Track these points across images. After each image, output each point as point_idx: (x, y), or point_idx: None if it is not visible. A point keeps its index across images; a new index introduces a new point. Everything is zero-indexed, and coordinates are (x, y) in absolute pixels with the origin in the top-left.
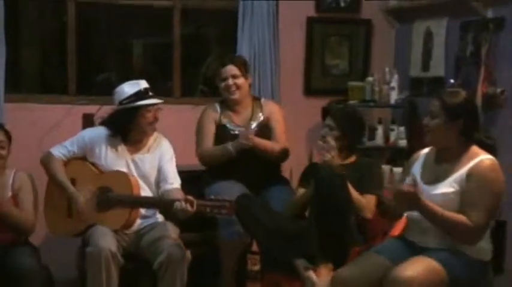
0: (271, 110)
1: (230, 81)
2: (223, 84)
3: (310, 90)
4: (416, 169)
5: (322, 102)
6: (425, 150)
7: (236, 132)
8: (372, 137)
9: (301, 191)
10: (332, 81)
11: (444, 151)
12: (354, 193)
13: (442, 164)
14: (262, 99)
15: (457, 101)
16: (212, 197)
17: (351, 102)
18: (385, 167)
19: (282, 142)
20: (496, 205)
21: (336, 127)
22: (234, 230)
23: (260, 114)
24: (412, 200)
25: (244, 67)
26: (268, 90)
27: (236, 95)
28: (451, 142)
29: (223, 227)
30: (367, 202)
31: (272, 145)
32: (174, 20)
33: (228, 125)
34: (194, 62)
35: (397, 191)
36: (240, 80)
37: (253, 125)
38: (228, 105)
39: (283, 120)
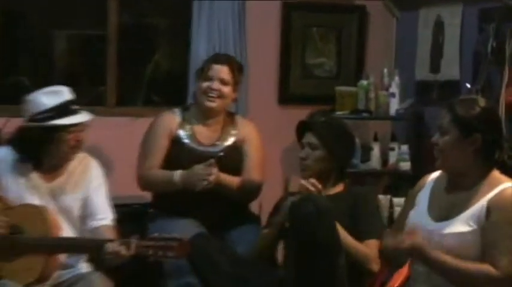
0: (248, 132)
1: (215, 84)
2: (204, 84)
3: (286, 98)
4: (423, 200)
5: (301, 113)
6: (434, 175)
7: (194, 152)
8: (366, 158)
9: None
10: (315, 85)
11: (457, 176)
12: (349, 239)
13: (455, 194)
14: (238, 117)
15: (473, 112)
16: (156, 235)
17: (339, 113)
18: (383, 198)
19: (256, 177)
20: None
21: (320, 146)
22: (185, 282)
23: (233, 133)
24: (415, 251)
25: (238, 75)
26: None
27: (214, 104)
28: (466, 165)
29: (171, 278)
30: (371, 251)
31: (241, 183)
32: (110, 5)
33: (186, 141)
34: (136, 61)
35: (395, 247)
36: (227, 89)
37: (220, 147)
38: (196, 113)
39: (262, 147)
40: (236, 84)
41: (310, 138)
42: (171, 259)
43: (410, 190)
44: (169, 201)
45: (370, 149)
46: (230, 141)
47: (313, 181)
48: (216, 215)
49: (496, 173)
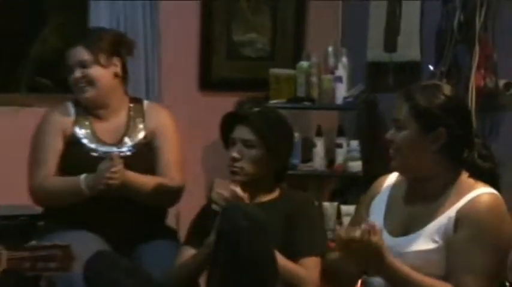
0: (160, 121)
1: (77, 72)
2: (70, 77)
3: (208, 83)
4: (377, 209)
5: (227, 101)
6: (392, 178)
7: (96, 154)
8: (308, 157)
9: (191, 251)
10: (243, 68)
11: (419, 181)
12: (281, 259)
13: (417, 202)
14: (146, 103)
15: (437, 101)
16: (33, 242)
17: (273, 101)
18: (329, 206)
19: (175, 176)
20: (500, 266)
21: (258, 144)
22: None
23: (141, 126)
24: (373, 256)
25: (104, 48)
26: (141, 83)
27: (88, 94)
28: (429, 168)
29: None
30: (307, 272)
31: (156, 184)
32: None
33: (85, 141)
34: (17, 38)
35: (347, 240)
36: (93, 70)
37: (127, 144)
38: (87, 108)
39: (178, 139)
40: (108, 59)
41: (244, 133)
42: (55, 273)
43: (362, 196)
44: (65, 211)
45: (313, 145)
46: (140, 135)
47: (238, 191)
48: (124, 229)
49: (465, 177)
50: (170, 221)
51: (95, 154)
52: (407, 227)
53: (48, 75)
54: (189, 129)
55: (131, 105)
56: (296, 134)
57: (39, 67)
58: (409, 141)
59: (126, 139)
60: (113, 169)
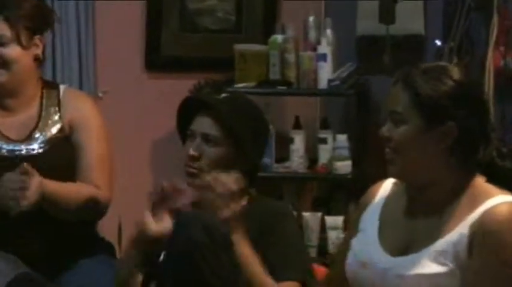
0: (79, 109)
1: None
2: None
3: (157, 63)
4: (371, 222)
5: (180, 84)
6: (387, 186)
7: (4, 152)
8: (283, 156)
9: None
10: (201, 43)
11: (422, 189)
12: (253, 268)
13: (419, 215)
14: (62, 88)
15: (444, 87)
16: None
17: (240, 85)
18: (310, 217)
19: (99, 182)
20: None
21: (223, 138)
22: None
23: (56, 117)
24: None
25: (26, 22)
26: (67, 64)
27: (1, 78)
28: (435, 171)
29: None
30: None
31: (80, 195)
32: None
33: None
34: None
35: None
36: (11, 50)
37: (38, 140)
38: None
39: (105, 132)
40: (30, 37)
41: (206, 126)
42: None
43: (352, 205)
44: None
45: (290, 141)
46: (54, 129)
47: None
48: (45, 246)
49: (480, 182)
50: (111, 232)
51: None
52: (408, 244)
53: None
54: (133, 120)
55: (44, 91)
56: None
57: None
58: (410, 139)
59: (37, 134)
60: (24, 185)
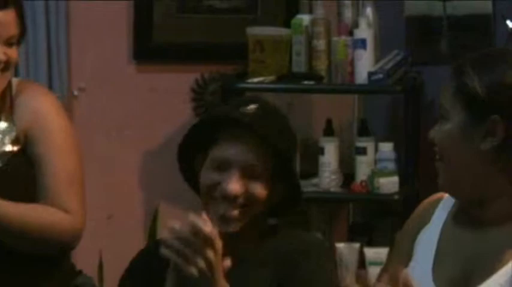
0: (36, 111)
1: (1, 51)
2: None
3: (148, 51)
4: (425, 249)
5: (179, 79)
6: (448, 200)
7: None
8: (310, 170)
9: None
10: (206, 26)
11: (476, 203)
12: None
13: (477, 234)
14: (15, 82)
15: (495, 77)
16: None
17: (256, 80)
18: (345, 249)
19: (68, 204)
20: None
21: (268, 170)
22: None
23: (7, 124)
24: None
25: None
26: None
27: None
28: (483, 181)
29: None
30: None
31: (41, 218)
32: None
33: None
34: None
35: None
36: (16, 50)
37: None
38: None
39: (73, 139)
40: (24, 31)
41: (250, 156)
42: None
43: (400, 231)
44: None
45: (319, 152)
46: (6, 140)
47: (206, 228)
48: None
49: None
50: (90, 268)
51: None
52: (470, 273)
53: None
54: (118, 124)
55: None
56: None
57: None
58: (451, 139)
59: None
60: None
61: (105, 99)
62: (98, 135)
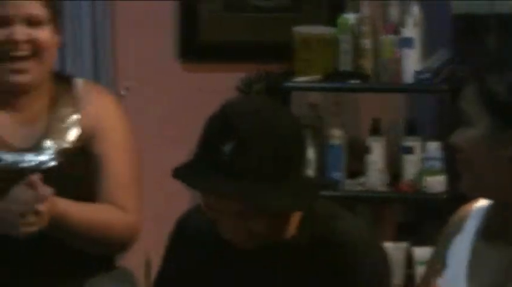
0: (102, 110)
1: (19, 29)
2: None
3: (194, 49)
4: (457, 258)
5: (225, 78)
6: (481, 207)
7: (5, 164)
8: (357, 169)
9: None
10: (251, 25)
11: (503, 209)
12: None
13: (506, 241)
14: (79, 83)
15: None
16: None
17: (301, 79)
18: (394, 248)
19: (126, 204)
20: None
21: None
22: None
23: (72, 120)
24: None
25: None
26: (78, 53)
27: (26, 77)
28: (509, 186)
29: None
30: None
31: (102, 219)
32: None
33: None
34: None
35: None
36: (45, 33)
37: (49, 150)
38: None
39: (132, 140)
40: (57, 17)
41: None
42: None
43: (440, 234)
44: None
45: (366, 151)
46: (70, 135)
47: None
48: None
49: None
50: (138, 269)
51: None
52: (503, 285)
53: None
54: (164, 123)
55: (55, 86)
56: (338, 133)
57: None
58: (476, 145)
59: (48, 142)
60: (38, 198)
61: (151, 98)
62: (144, 134)
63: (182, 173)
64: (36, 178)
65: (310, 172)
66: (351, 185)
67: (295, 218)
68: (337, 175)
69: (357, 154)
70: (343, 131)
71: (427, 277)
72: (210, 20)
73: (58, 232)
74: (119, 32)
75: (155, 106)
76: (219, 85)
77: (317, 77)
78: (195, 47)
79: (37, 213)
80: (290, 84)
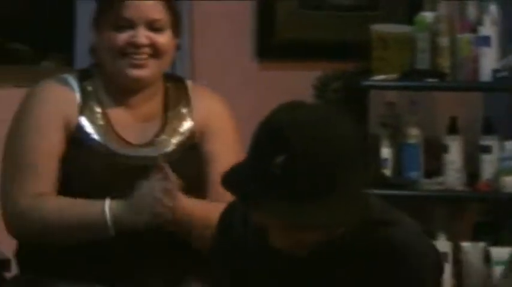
0: (212, 111)
1: (141, 33)
2: (118, 37)
3: (270, 48)
4: None
5: (302, 76)
6: None
7: (118, 161)
8: (434, 168)
9: None
10: (328, 22)
11: None
12: None
13: None
14: (190, 84)
15: None
16: None
17: (379, 77)
18: (471, 248)
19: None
20: None
21: None
22: None
23: (186, 119)
24: None
25: (175, 4)
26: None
27: (145, 72)
28: None
29: None
30: None
31: (211, 214)
32: None
33: (96, 138)
34: None
35: None
36: (164, 37)
37: (164, 147)
38: (107, 86)
39: (239, 140)
40: (177, 21)
41: None
42: None
43: None
44: (59, 252)
45: (443, 150)
46: (184, 133)
47: None
48: (167, 281)
49: None
50: None
51: (111, 161)
52: None
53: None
54: (241, 122)
55: (169, 85)
56: (415, 131)
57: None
58: None
59: (164, 138)
60: (170, 189)
61: (228, 96)
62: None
63: (231, 182)
64: (167, 167)
65: (387, 171)
66: (428, 185)
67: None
68: (414, 174)
69: (434, 152)
70: (420, 129)
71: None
72: (287, 18)
73: (180, 226)
74: (197, 31)
75: (232, 105)
76: (296, 84)
77: (394, 75)
78: (272, 46)
79: (171, 200)
80: (367, 82)
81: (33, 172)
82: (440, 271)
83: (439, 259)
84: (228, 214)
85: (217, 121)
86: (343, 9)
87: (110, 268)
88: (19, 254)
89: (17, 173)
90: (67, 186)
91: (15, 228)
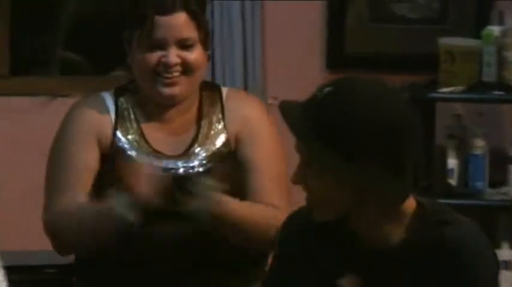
0: (248, 115)
1: (173, 53)
2: (150, 57)
3: (340, 61)
4: None
5: None
6: None
7: (154, 168)
8: (499, 179)
9: None
10: (397, 35)
11: None
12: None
13: None
14: (225, 91)
15: None
16: None
17: (446, 89)
18: None
19: (277, 203)
20: None
21: None
22: None
23: (219, 127)
24: None
25: (203, 15)
26: (228, 65)
27: (177, 90)
28: None
29: None
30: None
31: (259, 215)
32: None
33: (132, 153)
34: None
35: None
36: (195, 53)
37: (199, 156)
38: (142, 101)
39: (280, 144)
40: (207, 35)
41: None
42: None
43: None
44: (114, 260)
45: (509, 161)
46: (218, 142)
47: None
48: (210, 284)
49: None
50: None
51: (151, 174)
52: None
53: (78, 48)
54: None
55: (203, 94)
56: (481, 143)
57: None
58: None
59: (197, 148)
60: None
61: None
62: (291, 143)
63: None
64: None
65: (453, 181)
66: (493, 195)
67: (404, 221)
68: (479, 184)
69: (500, 163)
70: (486, 141)
71: None
72: (357, 31)
73: (223, 228)
74: (268, 43)
75: None
76: None
77: (461, 88)
78: (342, 58)
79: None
80: (434, 95)
81: (66, 185)
82: (495, 272)
83: (495, 260)
84: (288, 225)
85: (254, 127)
86: (412, 22)
87: (154, 272)
88: (75, 267)
89: (52, 186)
90: (99, 196)
91: (50, 237)
